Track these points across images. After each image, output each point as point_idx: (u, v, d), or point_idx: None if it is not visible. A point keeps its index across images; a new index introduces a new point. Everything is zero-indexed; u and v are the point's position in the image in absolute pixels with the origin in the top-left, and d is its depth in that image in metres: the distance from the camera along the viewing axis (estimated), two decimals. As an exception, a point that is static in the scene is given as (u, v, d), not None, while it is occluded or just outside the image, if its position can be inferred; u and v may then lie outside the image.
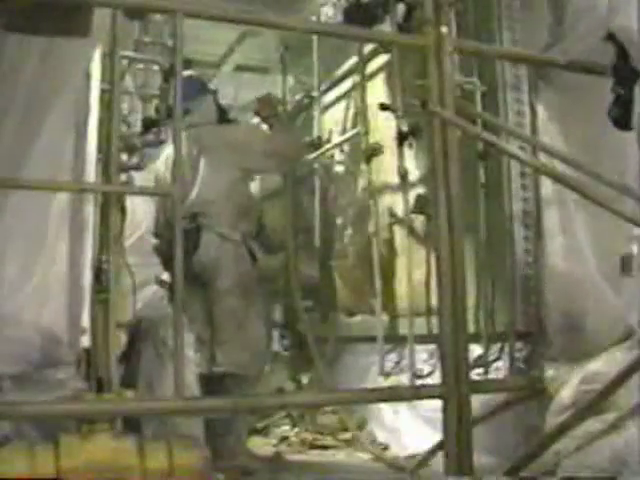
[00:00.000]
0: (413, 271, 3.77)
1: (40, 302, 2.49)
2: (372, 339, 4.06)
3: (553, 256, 3.11)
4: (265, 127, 4.47)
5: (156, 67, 3.19)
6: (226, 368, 3.66)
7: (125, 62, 3.09)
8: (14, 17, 2.41)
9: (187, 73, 4.00)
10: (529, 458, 2.23)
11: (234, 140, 3.96)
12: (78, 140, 2.69)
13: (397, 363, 3.92)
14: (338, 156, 4.85)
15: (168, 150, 3.84)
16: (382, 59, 4.24)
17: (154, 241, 3.90)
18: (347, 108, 4.75)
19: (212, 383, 3.61)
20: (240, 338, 3.70)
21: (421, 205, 3.75)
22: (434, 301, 3.34)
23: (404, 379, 3.70)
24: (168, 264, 3.76)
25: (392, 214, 4.12)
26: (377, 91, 4.27)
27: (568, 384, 2.42)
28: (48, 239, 2.54)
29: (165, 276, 3.77)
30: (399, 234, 4.09)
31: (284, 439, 4.15)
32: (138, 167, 3.23)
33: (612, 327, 2.71)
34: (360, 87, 4.35)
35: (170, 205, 3.63)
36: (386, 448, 3.81)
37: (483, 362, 3.26)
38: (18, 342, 2.44)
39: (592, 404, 2.08)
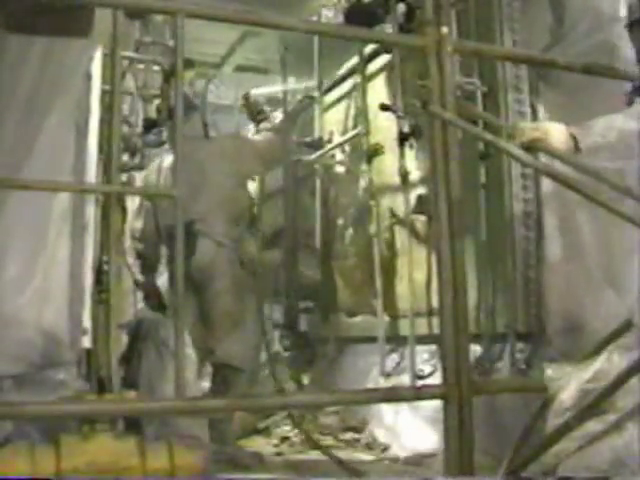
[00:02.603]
0: (414, 271, 3.77)
1: (41, 303, 2.49)
2: (373, 339, 4.07)
3: (553, 257, 3.11)
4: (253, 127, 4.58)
5: (157, 67, 3.20)
6: (224, 360, 3.81)
7: (126, 62, 3.09)
8: (15, 17, 2.41)
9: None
10: (529, 459, 2.23)
11: (225, 150, 4.05)
12: (79, 140, 2.69)
13: (398, 363, 3.92)
14: (339, 156, 4.85)
15: (161, 158, 3.94)
16: (383, 60, 4.25)
17: (139, 246, 3.97)
18: (348, 108, 4.75)
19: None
20: (236, 335, 3.85)
21: (422, 205, 3.75)
22: (435, 301, 3.34)
23: (405, 379, 3.70)
24: (152, 267, 3.97)
25: (393, 214, 4.12)
26: (378, 92, 4.28)
27: (569, 385, 2.42)
28: (49, 240, 2.53)
29: (141, 278, 3.89)
30: (400, 234, 4.09)
31: (285, 439, 4.15)
32: (139, 167, 3.24)
33: (613, 327, 2.71)
34: (361, 88, 4.36)
35: (162, 210, 3.82)
36: (387, 448, 3.82)
37: (484, 362, 3.26)
38: (19, 343, 2.44)
39: (592, 405, 2.08)
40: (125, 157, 3.15)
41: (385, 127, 4.11)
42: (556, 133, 2.52)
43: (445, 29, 2.41)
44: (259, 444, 4.11)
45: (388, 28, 3.74)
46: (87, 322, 2.62)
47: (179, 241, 2.11)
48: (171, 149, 3.96)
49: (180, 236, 2.10)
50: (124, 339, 3.40)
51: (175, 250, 2.10)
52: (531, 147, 2.47)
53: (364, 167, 4.29)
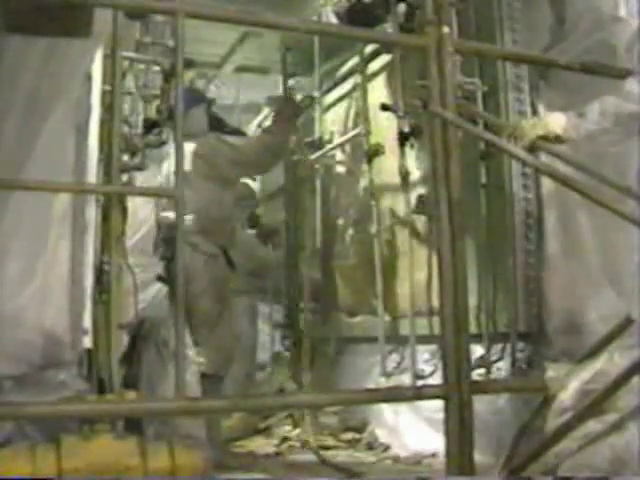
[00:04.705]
0: (414, 271, 3.77)
1: (42, 303, 2.50)
2: (373, 339, 4.06)
3: (554, 256, 3.10)
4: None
5: (157, 68, 3.19)
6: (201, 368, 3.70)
7: (126, 63, 3.09)
8: (15, 18, 2.41)
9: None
10: (530, 459, 2.23)
11: (201, 152, 3.93)
12: (79, 141, 2.69)
13: (398, 363, 3.91)
14: (339, 156, 4.85)
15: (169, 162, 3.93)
16: (383, 59, 4.25)
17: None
18: (348, 108, 4.75)
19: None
20: (212, 340, 3.74)
21: (422, 205, 3.75)
22: (435, 301, 3.34)
23: (405, 379, 3.70)
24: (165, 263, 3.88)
25: (393, 214, 4.12)
26: (378, 91, 4.27)
27: (569, 385, 2.42)
28: (50, 240, 2.54)
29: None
30: (400, 234, 4.09)
31: (285, 439, 4.15)
32: (140, 168, 3.24)
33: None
34: (361, 87, 4.36)
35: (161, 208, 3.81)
36: (387, 448, 3.82)
37: (485, 362, 3.26)
38: (20, 343, 2.45)
39: (593, 405, 2.08)
40: (125, 157, 3.15)
41: (385, 127, 4.10)
42: (555, 122, 2.53)
43: (445, 29, 2.42)
44: (259, 444, 4.11)
45: (388, 28, 3.73)
46: (88, 322, 2.63)
47: (179, 241, 2.11)
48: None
49: (180, 236, 2.11)
50: (125, 339, 3.40)
51: (173, 251, 2.10)
52: (535, 147, 2.47)
53: (364, 167, 4.29)
